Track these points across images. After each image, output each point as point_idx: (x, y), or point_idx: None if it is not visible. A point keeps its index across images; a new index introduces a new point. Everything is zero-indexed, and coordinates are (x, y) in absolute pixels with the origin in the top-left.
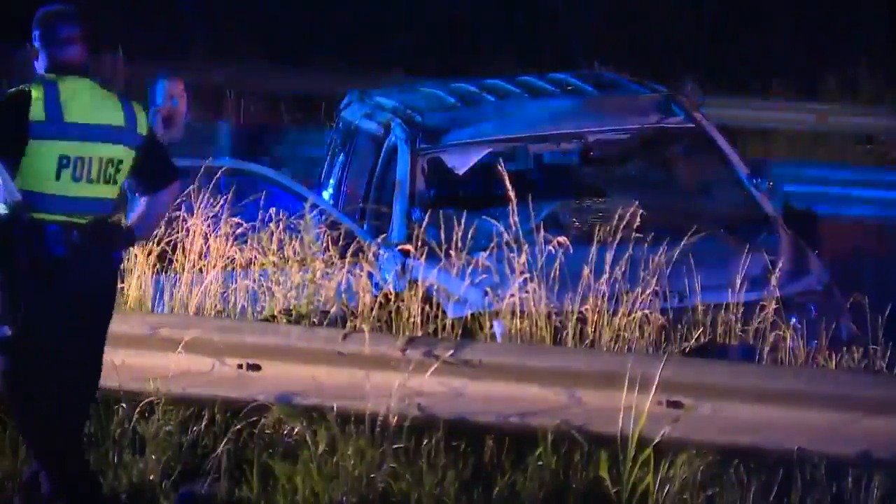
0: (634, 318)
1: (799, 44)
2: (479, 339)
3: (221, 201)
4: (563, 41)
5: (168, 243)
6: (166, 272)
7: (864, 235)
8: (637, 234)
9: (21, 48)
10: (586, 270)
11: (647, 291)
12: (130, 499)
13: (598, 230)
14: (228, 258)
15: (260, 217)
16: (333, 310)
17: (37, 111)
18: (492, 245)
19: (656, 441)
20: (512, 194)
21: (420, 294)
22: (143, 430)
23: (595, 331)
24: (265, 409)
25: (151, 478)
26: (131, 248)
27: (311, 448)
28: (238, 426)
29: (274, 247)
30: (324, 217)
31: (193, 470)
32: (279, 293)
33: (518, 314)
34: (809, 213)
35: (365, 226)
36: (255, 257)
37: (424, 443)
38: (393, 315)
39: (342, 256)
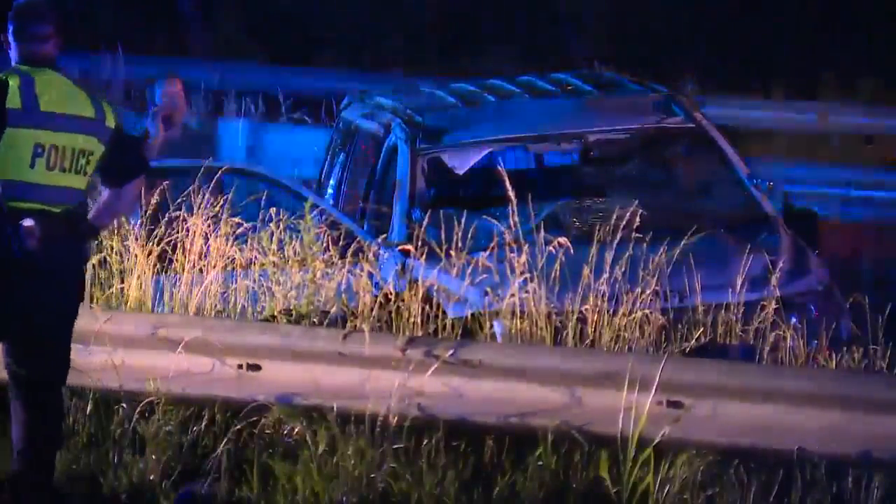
0: (635, 318)
1: (799, 44)
2: (480, 339)
3: (221, 201)
4: (563, 41)
5: (168, 243)
6: (166, 272)
7: (864, 235)
8: (637, 234)
9: None
10: (586, 270)
11: (648, 291)
12: (130, 499)
13: (599, 230)
14: (228, 258)
15: (260, 217)
16: (334, 310)
17: (13, 99)
18: (492, 245)
19: (656, 441)
20: (512, 194)
21: (420, 294)
22: (143, 430)
23: (595, 331)
24: (265, 409)
25: (151, 478)
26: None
27: (312, 448)
28: (238, 426)
29: (274, 247)
30: (324, 217)
31: (193, 470)
32: (279, 293)
33: (518, 314)
34: (809, 213)
35: (365, 226)
36: (256, 257)
37: (424, 443)
38: (393, 315)
39: (342, 256)
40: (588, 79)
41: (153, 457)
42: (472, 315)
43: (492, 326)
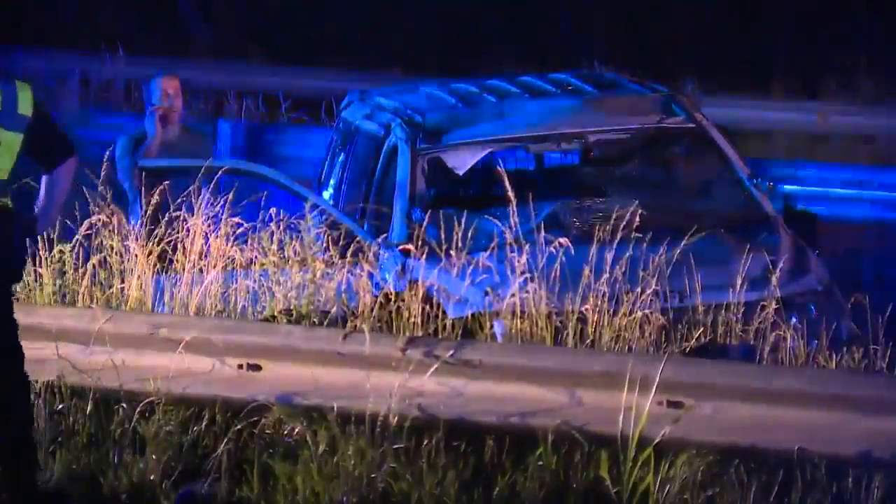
0: (635, 318)
1: (799, 44)
2: (480, 339)
3: (222, 201)
4: (563, 41)
5: (168, 243)
6: (167, 272)
7: (864, 235)
8: (637, 234)
9: None
10: (587, 270)
11: (648, 291)
12: (131, 499)
13: (599, 230)
14: (229, 258)
15: (260, 217)
16: (334, 310)
17: None
18: (492, 245)
19: (657, 441)
20: (512, 194)
21: (420, 294)
22: (143, 430)
23: (595, 331)
24: (265, 409)
25: (152, 478)
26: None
27: (312, 448)
28: (238, 426)
29: (274, 247)
30: (324, 217)
31: (194, 470)
32: (279, 293)
33: (518, 314)
34: (809, 213)
35: (365, 226)
36: (256, 257)
37: (425, 443)
38: (393, 315)
39: (342, 256)
40: (588, 79)
41: (153, 457)
42: (473, 315)
43: (492, 326)
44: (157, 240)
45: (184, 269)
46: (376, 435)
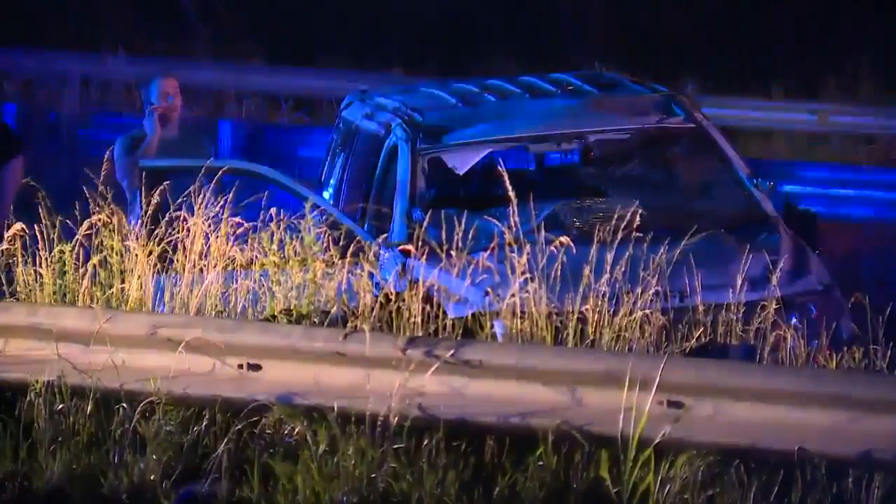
0: (635, 318)
1: (799, 44)
2: (480, 339)
3: (222, 201)
4: (564, 41)
5: (169, 243)
6: (167, 272)
7: (864, 235)
8: (638, 234)
9: None
10: (587, 270)
11: (648, 291)
12: (131, 499)
13: (599, 230)
14: (229, 258)
15: (261, 217)
16: (334, 310)
17: None
18: (492, 245)
19: (657, 441)
20: (512, 194)
21: (421, 294)
22: (143, 430)
23: (596, 331)
24: (266, 409)
25: (152, 478)
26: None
27: (312, 448)
28: (239, 426)
29: (275, 247)
30: (324, 217)
31: (194, 470)
32: (280, 293)
33: (519, 314)
34: (809, 213)
35: (365, 226)
36: (256, 257)
37: (425, 443)
38: (393, 315)
39: (343, 256)
40: (588, 79)
41: (154, 457)
42: (473, 315)
43: (492, 326)
44: (157, 240)
45: (184, 269)
46: (377, 435)
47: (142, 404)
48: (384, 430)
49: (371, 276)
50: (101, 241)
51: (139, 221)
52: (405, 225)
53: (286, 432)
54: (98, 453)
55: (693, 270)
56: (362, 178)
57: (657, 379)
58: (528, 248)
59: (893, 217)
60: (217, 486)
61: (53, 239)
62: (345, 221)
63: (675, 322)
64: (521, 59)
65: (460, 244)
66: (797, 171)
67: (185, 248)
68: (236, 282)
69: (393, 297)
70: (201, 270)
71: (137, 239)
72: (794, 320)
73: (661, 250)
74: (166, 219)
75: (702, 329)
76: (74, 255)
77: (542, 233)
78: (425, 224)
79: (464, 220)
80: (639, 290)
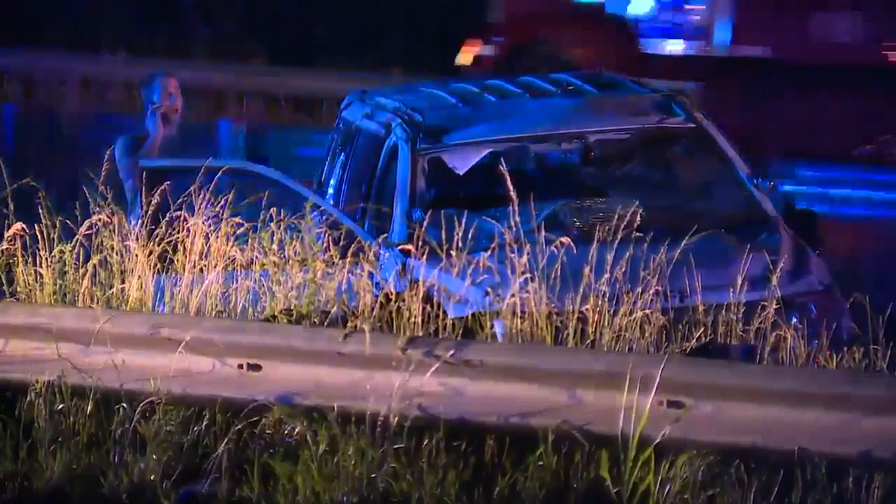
0: (635, 318)
1: None
2: (480, 339)
3: (222, 201)
4: None
5: (169, 243)
6: (167, 272)
7: (864, 235)
8: (638, 234)
9: None
10: (587, 270)
11: (648, 291)
12: (131, 499)
13: (599, 230)
14: (229, 258)
15: (261, 217)
16: (334, 310)
17: None
18: (493, 245)
19: (657, 441)
20: (513, 194)
21: (421, 294)
22: (143, 430)
23: (596, 331)
24: (266, 409)
25: (152, 478)
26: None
27: (312, 448)
28: (239, 426)
29: (275, 247)
30: (324, 217)
31: (194, 470)
32: (280, 293)
33: (519, 314)
34: (809, 213)
35: (365, 226)
36: (256, 257)
37: (425, 443)
38: (394, 315)
39: (343, 256)
40: (588, 79)
41: (154, 457)
42: (473, 315)
43: (492, 326)
44: (157, 240)
45: (184, 269)
46: (377, 435)
47: (142, 404)
48: (384, 430)
49: (371, 276)
50: (102, 241)
51: (139, 221)
52: (405, 225)
53: (286, 432)
54: (98, 453)
55: (693, 270)
56: (362, 178)
57: (657, 379)
58: (528, 248)
59: (893, 217)
60: (217, 486)
61: (54, 239)
62: (345, 221)
63: (676, 322)
64: None
65: (460, 244)
66: (797, 172)
67: (185, 248)
68: (236, 282)
69: (393, 297)
70: (201, 270)
71: (138, 239)
72: (794, 320)
73: (662, 250)
74: (166, 219)
75: (702, 329)
76: (75, 255)
77: (543, 233)
78: (425, 224)
79: (464, 220)
80: (639, 289)
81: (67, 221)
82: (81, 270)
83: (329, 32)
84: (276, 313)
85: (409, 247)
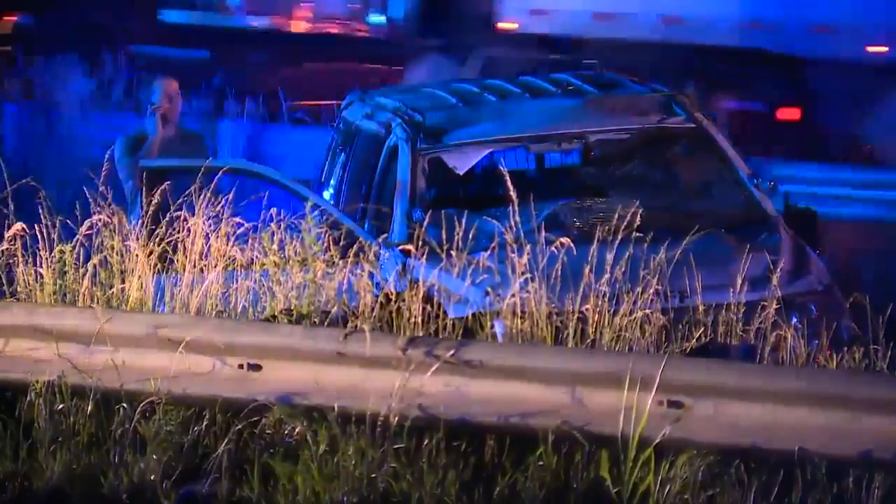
0: (635, 318)
1: None
2: (480, 339)
3: (222, 201)
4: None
5: (169, 243)
6: (167, 272)
7: (864, 235)
8: (638, 234)
9: None
10: (587, 270)
11: (649, 291)
12: (131, 499)
13: (599, 230)
14: (229, 258)
15: (261, 217)
16: (334, 310)
17: None
18: (493, 245)
19: (657, 441)
20: (513, 194)
21: (421, 294)
22: (144, 430)
23: (596, 331)
24: (266, 409)
25: (152, 478)
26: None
27: (312, 448)
28: (239, 426)
29: (275, 247)
30: (325, 217)
31: (194, 470)
32: (280, 293)
33: (519, 314)
34: (809, 212)
35: (366, 226)
36: (256, 257)
37: (425, 443)
38: (394, 315)
39: (343, 256)
40: (588, 79)
41: (154, 457)
42: (473, 315)
43: (493, 326)
44: (157, 240)
45: (184, 269)
46: (377, 435)
47: (142, 404)
48: (384, 430)
49: (371, 276)
50: (102, 241)
51: (140, 221)
52: (405, 225)
53: (286, 432)
54: (98, 453)
55: (693, 270)
56: (362, 178)
57: (657, 379)
58: (528, 248)
59: (893, 217)
60: (217, 486)
61: (54, 239)
62: (345, 221)
63: (676, 322)
64: None
65: (460, 244)
66: (797, 172)
67: (185, 248)
68: (236, 282)
69: (393, 297)
70: (201, 270)
71: (138, 239)
72: (794, 320)
73: (662, 250)
74: (167, 219)
75: (702, 329)
76: (75, 255)
77: (543, 233)
78: (425, 224)
79: (464, 220)
80: (639, 290)
81: (68, 221)
82: (81, 270)
83: None
84: (276, 313)
85: (410, 247)
